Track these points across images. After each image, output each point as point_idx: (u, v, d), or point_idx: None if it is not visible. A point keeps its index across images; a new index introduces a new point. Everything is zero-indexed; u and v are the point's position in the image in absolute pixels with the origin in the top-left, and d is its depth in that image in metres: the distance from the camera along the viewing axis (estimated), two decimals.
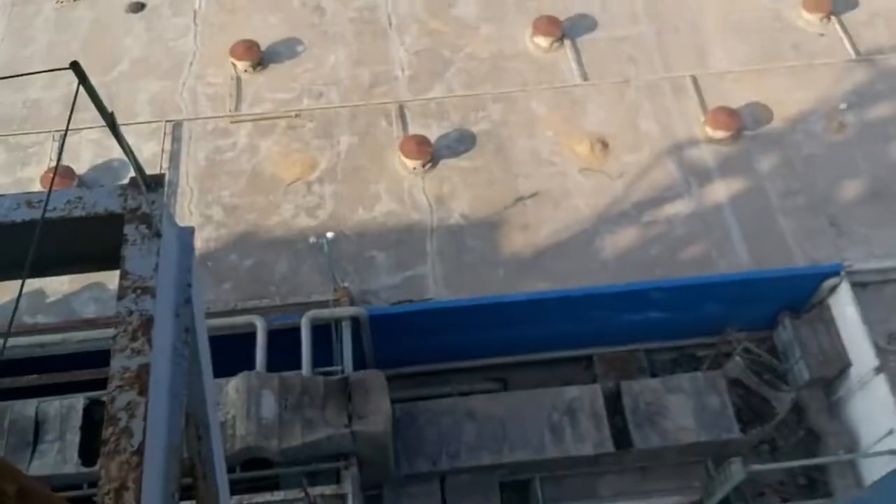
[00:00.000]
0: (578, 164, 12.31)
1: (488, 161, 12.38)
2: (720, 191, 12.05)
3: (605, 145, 12.45)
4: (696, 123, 12.65)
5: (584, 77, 13.28)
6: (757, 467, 10.40)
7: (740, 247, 11.50)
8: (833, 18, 13.74)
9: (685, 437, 10.58)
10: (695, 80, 13.16)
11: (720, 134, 12.42)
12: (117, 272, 4.14)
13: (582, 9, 14.08)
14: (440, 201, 11.98)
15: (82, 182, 11.98)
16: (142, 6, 14.39)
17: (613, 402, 10.90)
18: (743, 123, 12.53)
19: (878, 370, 10.42)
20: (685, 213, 11.83)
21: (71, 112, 3.74)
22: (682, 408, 10.73)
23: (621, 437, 10.65)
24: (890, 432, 10.17)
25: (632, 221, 11.74)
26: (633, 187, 12.08)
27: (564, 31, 13.65)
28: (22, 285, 3.62)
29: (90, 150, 12.38)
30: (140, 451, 3.42)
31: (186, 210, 11.86)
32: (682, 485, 10.94)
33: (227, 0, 14.47)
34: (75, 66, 3.56)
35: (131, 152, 3.90)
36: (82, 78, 3.58)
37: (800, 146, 12.46)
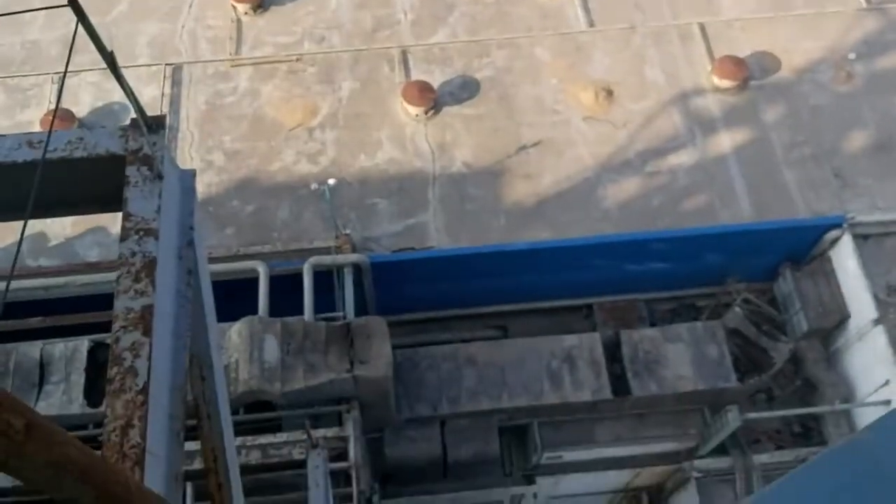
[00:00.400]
0: (582, 112, 12.20)
1: (492, 108, 12.26)
2: (725, 141, 11.96)
3: (609, 93, 12.32)
4: (703, 72, 12.50)
5: (590, 23, 13.08)
6: (753, 415, 10.55)
7: (743, 198, 11.47)
8: None
9: (683, 385, 10.70)
10: (702, 27, 12.96)
11: (727, 83, 12.28)
12: (119, 216, 4.14)
13: None
14: (442, 149, 11.90)
15: (82, 125, 11.89)
16: None
17: (612, 351, 11.00)
18: (750, 73, 12.38)
19: (877, 322, 10.49)
20: (689, 163, 11.76)
21: (70, 51, 3.68)
22: (681, 357, 10.83)
23: (619, 384, 10.78)
24: (886, 383, 10.28)
25: (635, 171, 11.69)
26: (637, 136, 11.99)
27: None
28: (24, 226, 3.61)
29: (90, 92, 12.27)
30: (145, 390, 3.46)
31: (187, 155, 11.80)
32: (679, 431, 11.11)
33: None
34: (74, 4, 3.49)
35: (132, 92, 3.85)
36: (81, 16, 3.51)
37: (806, 96, 12.33)
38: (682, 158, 11.79)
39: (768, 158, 11.79)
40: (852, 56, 12.61)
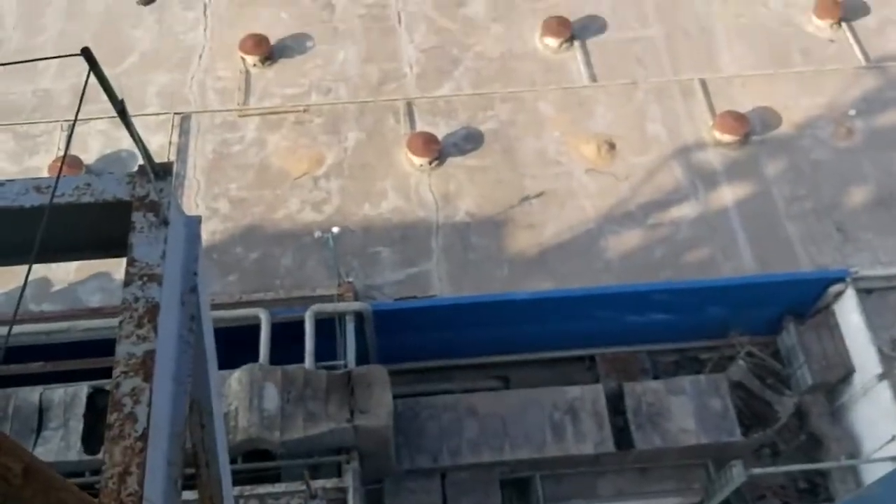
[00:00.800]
0: (585, 164, 12.32)
1: (495, 160, 12.39)
2: (727, 194, 12.04)
3: (611, 147, 12.46)
4: (704, 127, 12.65)
5: (593, 78, 13.29)
6: (758, 471, 10.40)
7: (745, 251, 11.49)
8: (843, 25, 13.73)
9: (686, 438, 10.58)
10: (703, 83, 13.15)
11: (728, 138, 12.41)
12: (123, 261, 4.17)
13: (592, 10, 14.09)
14: (446, 199, 11.99)
15: (90, 171, 12.02)
16: None
17: (615, 403, 10.91)
18: (751, 127, 12.52)
19: (882, 377, 10.41)
20: (691, 215, 11.82)
21: (81, 98, 3.75)
22: (684, 410, 10.73)
23: (622, 437, 10.66)
24: (892, 438, 10.15)
25: (637, 223, 11.75)
26: (639, 189, 12.08)
27: (574, 32, 13.65)
28: (28, 270, 3.64)
29: (99, 140, 12.43)
30: (144, 437, 3.44)
31: (193, 202, 11.90)
32: (683, 486, 10.95)
33: None
34: (86, 53, 3.57)
35: (140, 139, 3.92)
36: (93, 64, 3.59)
37: (807, 151, 12.45)
38: (685, 211, 11.85)
39: (770, 212, 11.85)
40: (852, 112, 12.77)
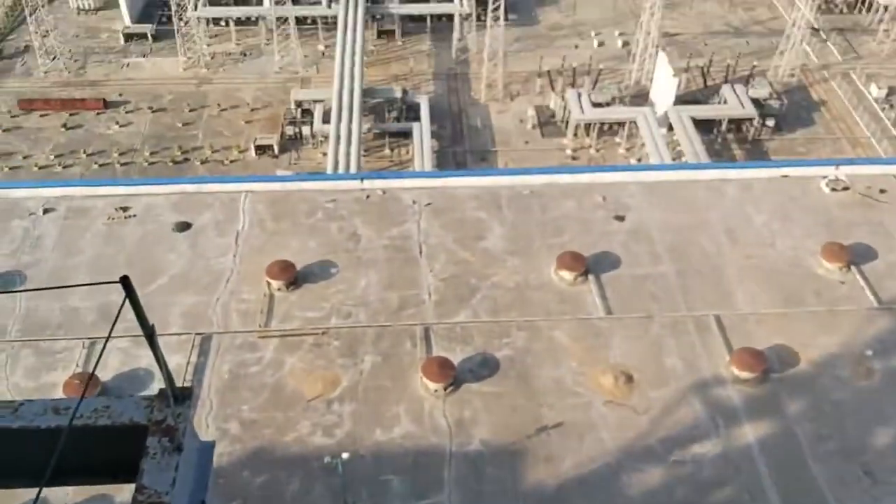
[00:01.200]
0: (603, 396, 12.19)
1: (511, 387, 12.31)
2: (749, 432, 11.75)
3: (629, 378, 12.39)
4: (722, 362, 12.63)
5: (608, 311, 13.52)
6: None
7: (772, 492, 11.00)
8: (853, 268, 14.15)
9: None
10: (718, 319, 13.33)
11: (746, 374, 12.35)
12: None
13: (605, 247, 14.68)
14: (460, 425, 11.78)
15: (105, 389, 12.01)
16: (188, 226, 15.22)
17: None
18: (769, 365, 12.49)
19: None
20: (713, 453, 11.47)
21: (114, 323, 3.87)
22: None
23: None
24: None
25: (658, 459, 11.38)
26: (658, 423, 11.84)
27: (588, 266, 14.14)
28: (38, 494, 3.55)
29: (118, 358, 12.54)
30: None
31: (203, 423, 11.73)
32: None
33: (269, 224, 15.31)
34: (124, 281, 3.73)
35: (165, 365, 3.97)
36: (129, 291, 3.74)
37: (829, 391, 12.31)
38: (706, 448, 11.52)
39: (795, 452, 11.49)
40: (869, 353, 12.78)
